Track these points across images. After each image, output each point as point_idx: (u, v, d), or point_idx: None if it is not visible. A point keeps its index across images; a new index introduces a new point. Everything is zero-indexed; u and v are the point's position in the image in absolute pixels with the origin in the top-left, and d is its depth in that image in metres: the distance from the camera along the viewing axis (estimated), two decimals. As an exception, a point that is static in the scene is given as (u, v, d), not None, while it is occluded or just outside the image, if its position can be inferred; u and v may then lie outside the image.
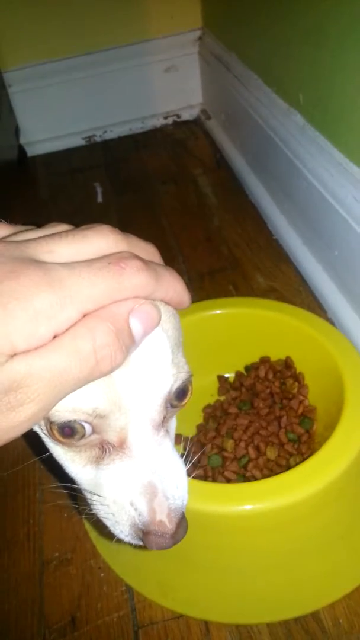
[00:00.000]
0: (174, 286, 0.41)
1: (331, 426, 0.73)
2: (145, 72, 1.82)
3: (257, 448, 0.80)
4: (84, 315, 0.35)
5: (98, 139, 1.91)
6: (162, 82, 1.85)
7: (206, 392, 0.94)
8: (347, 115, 0.95)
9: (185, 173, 1.66)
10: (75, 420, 0.41)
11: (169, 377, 0.44)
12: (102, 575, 0.78)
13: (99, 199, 1.62)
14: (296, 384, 0.88)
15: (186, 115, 1.92)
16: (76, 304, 0.35)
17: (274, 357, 0.92)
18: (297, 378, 0.88)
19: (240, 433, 0.82)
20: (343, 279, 1.04)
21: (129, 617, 0.74)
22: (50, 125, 1.85)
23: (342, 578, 0.72)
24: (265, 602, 0.71)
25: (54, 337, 0.34)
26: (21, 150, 1.82)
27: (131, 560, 0.77)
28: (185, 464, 0.48)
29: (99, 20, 1.71)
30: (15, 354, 0.33)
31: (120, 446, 0.44)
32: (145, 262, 0.39)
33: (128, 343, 0.37)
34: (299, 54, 1.10)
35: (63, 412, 0.40)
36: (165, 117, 1.92)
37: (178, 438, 0.88)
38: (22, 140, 1.83)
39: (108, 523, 0.47)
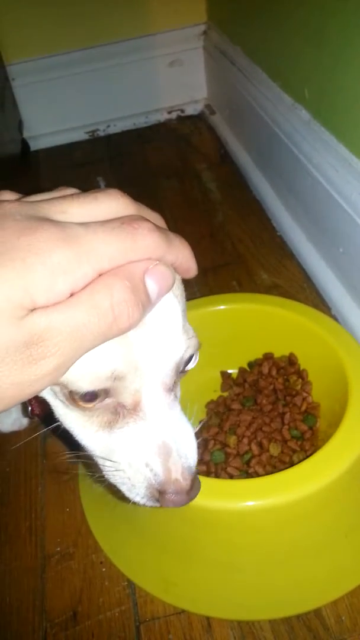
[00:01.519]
0: (183, 252, 0.42)
1: (335, 424, 0.73)
2: (149, 67, 1.81)
3: (260, 444, 0.80)
4: (99, 275, 0.36)
5: (101, 133, 1.90)
6: (166, 77, 1.84)
7: (209, 388, 0.94)
8: (354, 111, 0.95)
9: (189, 168, 1.65)
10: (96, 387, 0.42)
11: (182, 342, 0.46)
12: (103, 570, 0.78)
13: (102, 193, 1.61)
14: (300, 380, 0.87)
15: (190, 110, 1.91)
16: (92, 261, 0.35)
17: (277, 353, 0.92)
18: (301, 375, 0.88)
19: (244, 429, 0.82)
20: (348, 276, 1.04)
21: (131, 612, 0.74)
22: (53, 119, 1.84)
23: (345, 576, 0.72)
24: (268, 599, 0.71)
25: (71, 294, 0.35)
26: (24, 143, 1.82)
27: (133, 555, 0.77)
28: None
29: (103, 14, 1.70)
30: (34, 309, 0.33)
31: (134, 409, 0.45)
32: (156, 225, 0.40)
33: (145, 301, 0.38)
34: (304, 48, 1.10)
35: (84, 379, 0.42)
36: (169, 112, 1.91)
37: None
38: (25, 134, 1.82)
39: (123, 488, 0.48)
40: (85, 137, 1.89)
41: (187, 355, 0.47)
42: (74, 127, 1.86)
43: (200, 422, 0.89)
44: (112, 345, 0.41)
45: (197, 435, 0.50)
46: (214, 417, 0.88)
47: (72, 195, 0.40)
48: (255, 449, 0.79)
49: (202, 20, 1.77)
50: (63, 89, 1.78)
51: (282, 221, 1.30)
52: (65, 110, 1.83)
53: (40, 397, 0.53)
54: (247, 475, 0.78)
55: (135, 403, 0.45)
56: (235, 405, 0.87)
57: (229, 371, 0.95)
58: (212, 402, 0.92)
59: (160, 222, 0.45)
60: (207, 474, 0.79)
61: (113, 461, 0.47)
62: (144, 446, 0.46)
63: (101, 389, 0.43)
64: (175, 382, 0.48)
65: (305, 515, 0.68)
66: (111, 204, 0.40)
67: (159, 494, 0.46)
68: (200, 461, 0.81)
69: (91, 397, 0.44)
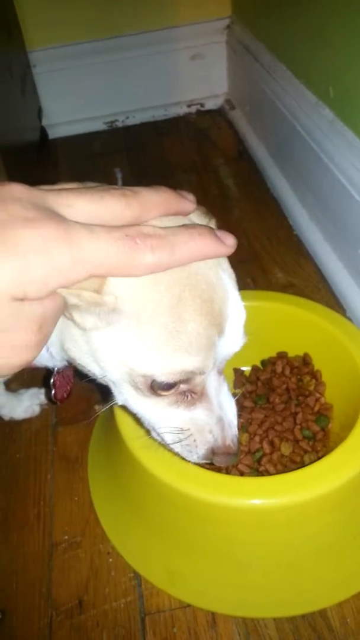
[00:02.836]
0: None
1: (348, 427, 0.72)
2: (170, 59, 1.80)
3: (271, 443, 0.80)
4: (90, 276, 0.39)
5: (120, 124, 1.89)
6: (187, 70, 1.83)
7: (221, 385, 0.94)
8: (380, 112, 0.94)
9: (207, 163, 1.64)
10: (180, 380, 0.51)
11: (243, 339, 0.55)
12: (110, 560, 0.78)
13: (119, 184, 1.61)
14: (313, 381, 0.87)
15: (210, 105, 1.90)
16: (89, 267, 0.37)
17: (291, 352, 0.91)
18: (315, 375, 0.87)
19: (255, 427, 0.82)
20: (364, 278, 1.03)
21: (136, 603, 0.74)
22: (72, 108, 1.84)
23: (352, 578, 0.72)
24: (274, 597, 0.71)
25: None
26: (43, 131, 1.81)
27: (140, 547, 0.77)
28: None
29: (127, 4, 1.69)
30: (24, 299, 0.36)
31: (200, 394, 0.55)
32: (161, 237, 0.41)
33: None
34: (330, 45, 1.09)
35: (172, 375, 0.50)
36: (189, 106, 1.90)
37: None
38: (44, 122, 1.81)
39: (184, 450, 0.59)
40: (104, 127, 1.89)
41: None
42: (92, 117, 1.86)
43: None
44: (203, 351, 0.49)
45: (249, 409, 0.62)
46: (226, 413, 0.88)
47: (80, 189, 0.41)
48: (266, 447, 0.79)
49: (227, 15, 1.76)
50: (83, 78, 1.78)
51: (298, 220, 1.30)
52: (85, 100, 1.83)
53: (62, 382, 0.68)
54: (258, 473, 0.78)
55: (202, 389, 0.55)
56: (248, 403, 0.87)
57: (242, 368, 0.95)
58: (224, 398, 0.92)
59: (167, 200, 0.46)
60: (218, 470, 0.79)
61: (183, 429, 0.57)
62: (207, 419, 0.57)
63: (179, 380, 0.51)
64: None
65: (314, 516, 0.68)
66: (116, 206, 0.41)
67: (213, 454, 0.58)
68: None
69: (169, 386, 0.52)
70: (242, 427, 0.83)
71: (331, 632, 0.69)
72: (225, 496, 0.65)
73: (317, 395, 0.85)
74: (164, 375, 0.50)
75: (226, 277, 0.52)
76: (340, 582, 0.72)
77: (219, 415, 0.57)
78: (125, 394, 0.55)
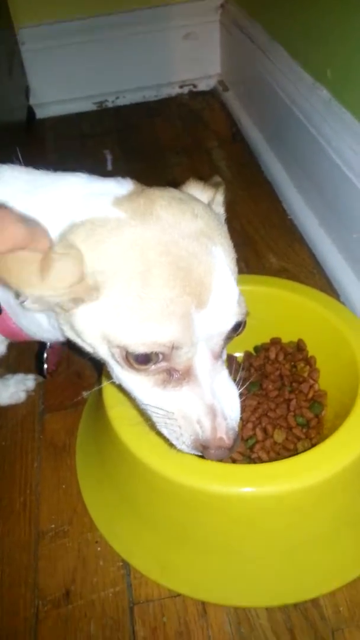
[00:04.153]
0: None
1: (342, 415, 0.71)
2: (162, 38, 1.76)
3: (264, 430, 0.78)
4: None
5: (110, 105, 1.85)
6: (179, 50, 1.78)
7: (213, 371, 0.92)
8: (379, 92, 0.91)
9: (199, 145, 1.61)
10: (152, 352, 0.49)
11: (234, 316, 0.52)
12: (98, 549, 0.77)
13: (109, 166, 1.57)
14: (307, 367, 0.85)
15: (202, 86, 1.86)
16: None
17: (285, 338, 0.89)
18: (309, 361, 0.85)
19: (248, 414, 0.80)
20: (360, 263, 1.01)
21: (125, 593, 0.72)
22: (61, 87, 1.79)
23: (345, 566, 0.71)
24: (265, 586, 0.70)
25: None
26: (30, 111, 1.76)
27: (130, 536, 0.76)
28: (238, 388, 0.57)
29: (118, -20, 1.64)
30: None
31: (187, 373, 0.52)
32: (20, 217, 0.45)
33: None
34: (329, 26, 1.05)
35: (143, 344, 0.48)
36: (181, 86, 1.86)
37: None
38: (31, 101, 1.77)
39: (172, 435, 0.55)
40: (93, 107, 1.84)
41: (235, 324, 0.52)
42: (82, 96, 1.81)
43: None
44: (175, 320, 0.47)
45: (241, 395, 0.57)
46: (218, 400, 0.86)
47: None
48: (259, 434, 0.78)
49: (221, -7, 1.72)
50: (73, 57, 1.73)
51: (293, 204, 1.27)
52: (74, 79, 1.78)
53: (52, 356, 0.68)
54: (250, 460, 0.76)
55: (186, 368, 0.51)
56: (241, 390, 0.85)
57: (235, 354, 0.93)
58: (215, 384, 0.90)
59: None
60: (209, 457, 0.77)
61: (168, 411, 0.53)
62: (195, 405, 0.52)
63: (154, 353, 0.49)
64: (225, 346, 0.54)
65: (307, 504, 0.66)
66: None
67: (203, 447, 0.53)
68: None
69: (144, 359, 0.50)
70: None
71: (324, 620, 0.68)
72: (217, 484, 0.63)
73: (311, 381, 0.83)
74: (135, 345, 0.48)
75: (218, 251, 0.51)
76: (333, 571, 0.71)
77: (210, 403, 0.53)
78: (114, 371, 0.54)
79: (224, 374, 0.55)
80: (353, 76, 0.99)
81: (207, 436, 0.53)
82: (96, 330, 0.51)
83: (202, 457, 0.56)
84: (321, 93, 1.11)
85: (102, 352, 0.53)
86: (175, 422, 0.54)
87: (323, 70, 1.10)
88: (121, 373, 0.53)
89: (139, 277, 0.48)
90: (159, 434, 0.57)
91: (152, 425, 0.57)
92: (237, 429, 0.55)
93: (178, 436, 0.54)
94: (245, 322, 0.55)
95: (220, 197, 0.62)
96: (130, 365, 0.51)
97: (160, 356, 0.50)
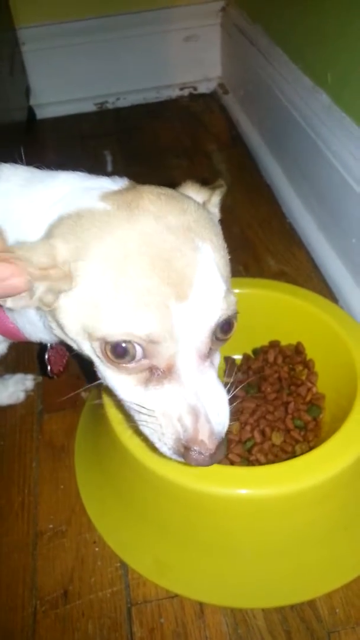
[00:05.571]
0: None
1: (340, 418, 0.71)
2: (164, 40, 1.76)
3: (262, 432, 0.79)
4: None
5: (110, 106, 1.85)
6: (180, 52, 1.79)
7: (212, 373, 0.92)
8: (379, 98, 0.92)
9: (199, 148, 1.61)
10: (129, 341, 0.47)
11: (218, 312, 0.49)
12: (96, 549, 0.77)
13: (109, 167, 1.58)
14: (305, 370, 0.86)
15: (203, 88, 1.87)
16: None
17: (284, 341, 0.90)
18: (307, 365, 0.86)
19: (247, 416, 0.80)
20: (359, 268, 1.02)
21: (122, 593, 0.73)
22: (61, 88, 1.79)
23: (341, 568, 0.71)
24: (262, 588, 0.71)
25: None
26: (31, 111, 1.77)
27: (128, 537, 0.76)
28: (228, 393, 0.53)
29: (120, -18, 1.65)
30: None
31: (169, 371, 0.49)
32: None
33: None
34: (330, 30, 1.06)
35: (118, 333, 0.47)
36: (181, 89, 1.86)
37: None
38: (32, 102, 1.77)
39: (154, 436, 0.52)
40: (94, 108, 1.84)
41: (220, 322, 0.50)
42: (82, 97, 1.81)
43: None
44: (151, 310, 0.46)
45: (231, 401, 0.54)
46: (216, 402, 0.86)
47: None
48: (257, 436, 0.78)
49: (222, -4, 1.72)
50: (74, 58, 1.73)
51: (292, 208, 1.28)
52: (75, 80, 1.78)
53: (57, 357, 0.65)
54: (248, 462, 0.77)
55: (169, 366, 0.49)
56: (239, 392, 0.85)
57: (234, 357, 0.93)
58: (214, 387, 0.90)
59: None
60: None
61: (148, 409, 0.51)
62: (177, 402, 0.50)
63: (131, 346, 0.47)
64: (211, 350, 0.51)
65: (305, 507, 0.67)
66: None
67: (184, 449, 0.50)
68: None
69: (122, 352, 0.48)
70: (232, 416, 0.81)
71: (320, 622, 0.68)
72: (215, 485, 0.64)
73: (309, 384, 0.84)
74: (110, 334, 0.47)
75: (206, 247, 0.50)
76: (330, 573, 0.71)
77: (193, 403, 0.49)
78: (99, 369, 0.53)
79: (211, 376, 0.51)
80: (353, 81, 1.00)
81: (188, 436, 0.49)
82: (76, 323, 0.50)
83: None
84: (321, 97, 1.11)
85: (86, 348, 0.52)
86: (156, 421, 0.51)
87: (323, 74, 1.11)
88: (105, 371, 0.52)
89: (116, 265, 0.47)
90: (143, 436, 0.54)
91: (137, 428, 0.55)
92: (222, 434, 0.51)
93: (160, 436, 0.51)
94: (234, 324, 0.52)
95: (216, 199, 0.61)
96: (110, 361, 0.49)
97: (140, 351, 0.48)
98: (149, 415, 0.51)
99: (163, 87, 1.85)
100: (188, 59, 1.81)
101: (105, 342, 0.48)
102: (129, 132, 1.72)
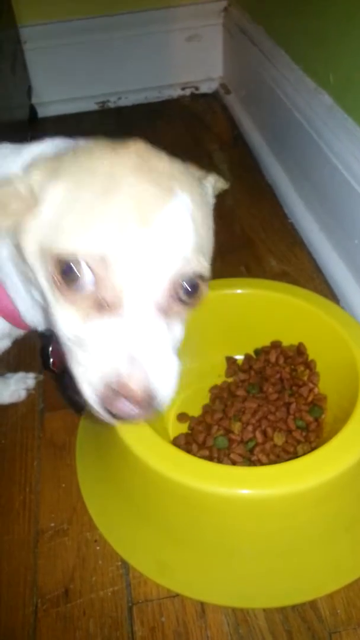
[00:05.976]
0: None
1: (342, 419, 0.71)
2: (165, 40, 1.76)
3: (264, 432, 0.79)
4: None
5: (112, 105, 1.85)
6: (182, 52, 1.79)
7: (213, 373, 0.92)
8: (382, 99, 0.92)
9: (201, 148, 1.61)
10: (79, 263, 0.44)
11: (182, 260, 0.45)
12: (97, 548, 0.77)
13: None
14: (307, 371, 0.86)
15: (204, 88, 1.87)
16: None
17: (285, 342, 0.90)
18: (309, 365, 0.86)
19: (249, 416, 0.81)
20: (360, 269, 1.02)
21: (124, 592, 0.73)
22: (63, 87, 1.79)
23: (343, 569, 0.71)
24: (264, 588, 0.71)
25: None
26: (32, 109, 1.76)
27: (129, 536, 0.76)
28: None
29: (123, -19, 1.65)
30: None
31: (115, 306, 0.44)
32: None
33: None
34: (332, 31, 1.06)
35: (71, 249, 0.44)
36: (183, 88, 1.86)
37: (184, 417, 0.87)
38: (34, 100, 1.76)
39: (79, 371, 0.47)
40: (95, 107, 1.84)
41: (184, 273, 0.46)
42: (84, 96, 1.81)
43: (203, 406, 0.88)
44: (107, 228, 0.43)
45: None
46: (218, 402, 0.87)
47: None
48: (259, 437, 0.78)
49: (225, -4, 1.72)
50: (76, 56, 1.73)
51: (294, 208, 1.28)
52: (76, 79, 1.78)
53: (60, 350, 0.53)
54: (250, 462, 0.77)
55: (115, 300, 0.44)
56: (240, 392, 0.86)
57: (235, 357, 0.93)
58: (215, 387, 0.90)
59: None
60: (210, 458, 0.78)
61: (82, 338, 0.46)
62: (117, 343, 0.45)
63: (81, 268, 0.44)
64: (172, 310, 0.47)
65: (307, 507, 0.67)
66: None
67: (112, 395, 0.44)
68: (203, 445, 0.80)
69: (70, 273, 0.44)
70: (234, 416, 0.82)
71: (321, 622, 0.68)
72: (217, 485, 0.64)
73: (311, 385, 0.84)
74: (64, 253, 0.44)
75: (185, 197, 0.47)
76: (331, 573, 0.71)
77: (132, 346, 0.44)
78: (50, 308, 0.48)
79: (163, 336, 0.46)
80: (355, 82, 1.00)
81: (118, 379, 0.44)
82: (35, 243, 0.47)
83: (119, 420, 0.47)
84: (323, 98, 1.12)
85: (41, 278, 0.48)
86: (87, 354, 0.46)
87: (325, 75, 1.11)
88: (54, 307, 0.47)
89: (83, 183, 0.46)
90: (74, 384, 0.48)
91: (70, 368, 0.49)
92: (156, 391, 0.45)
93: (88, 379, 0.46)
94: (201, 288, 0.48)
95: (212, 179, 0.60)
96: (60, 290, 0.45)
97: (90, 278, 0.44)
98: (82, 352, 0.46)
99: (165, 87, 1.85)
100: (190, 59, 1.81)
101: (57, 262, 0.44)
102: (131, 131, 1.70)
